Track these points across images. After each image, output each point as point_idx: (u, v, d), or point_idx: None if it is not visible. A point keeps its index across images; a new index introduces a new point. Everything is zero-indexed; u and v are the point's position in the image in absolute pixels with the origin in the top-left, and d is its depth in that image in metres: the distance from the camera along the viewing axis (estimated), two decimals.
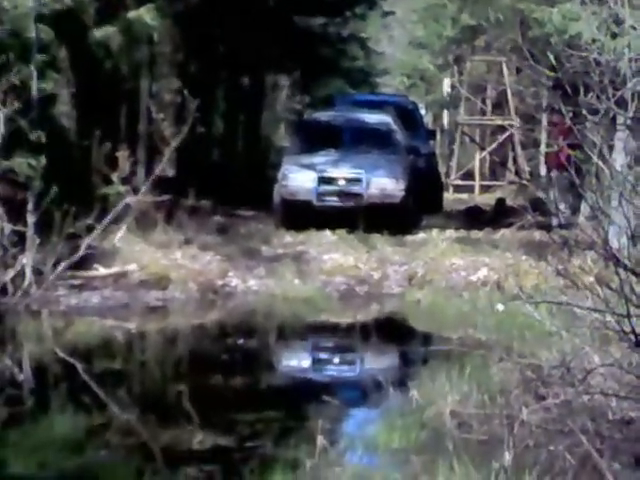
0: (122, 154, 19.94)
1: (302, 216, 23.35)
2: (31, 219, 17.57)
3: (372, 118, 25.84)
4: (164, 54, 21.33)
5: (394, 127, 25.60)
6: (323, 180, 23.79)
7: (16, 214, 17.58)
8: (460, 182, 35.57)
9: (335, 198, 23.70)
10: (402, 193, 23.78)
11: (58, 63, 18.53)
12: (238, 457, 10.37)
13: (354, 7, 35.07)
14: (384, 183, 23.87)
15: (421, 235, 23.41)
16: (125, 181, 19.61)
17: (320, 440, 10.00)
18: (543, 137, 29.88)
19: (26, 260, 17.32)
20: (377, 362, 15.69)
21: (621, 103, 14.09)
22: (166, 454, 10.59)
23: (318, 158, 24.32)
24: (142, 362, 15.45)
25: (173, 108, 21.96)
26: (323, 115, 26.58)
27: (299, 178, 23.90)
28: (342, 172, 23.92)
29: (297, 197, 23.75)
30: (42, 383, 13.40)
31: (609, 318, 8.43)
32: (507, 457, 8.39)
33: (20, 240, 17.46)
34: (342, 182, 23.84)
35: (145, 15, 19.85)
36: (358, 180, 23.76)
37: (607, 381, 8.65)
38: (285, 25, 29.24)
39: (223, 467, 9.95)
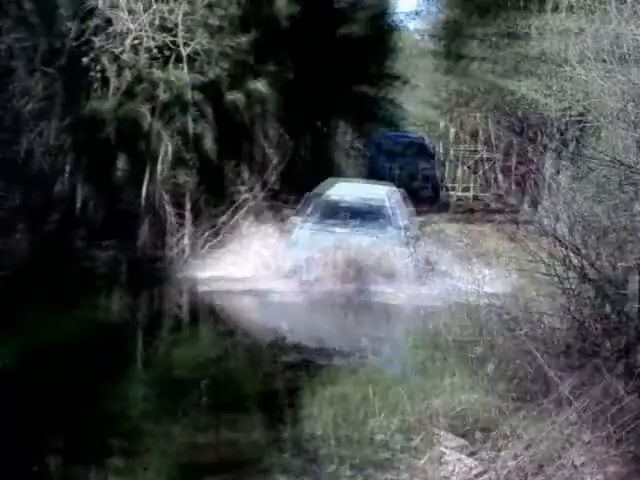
0: (246, 173, 20.20)
1: None
2: (188, 214, 17.81)
3: (372, 200, 17.80)
4: (273, 109, 21.58)
5: (394, 209, 17.63)
6: None
7: (178, 210, 17.82)
8: (460, 194, 35.95)
9: None
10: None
11: (205, 115, 18.66)
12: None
13: (389, 79, 36.18)
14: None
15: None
16: (247, 190, 19.69)
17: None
18: (513, 164, 30.21)
19: (185, 241, 17.55)
20: None
21: (564, 143, 14.67)
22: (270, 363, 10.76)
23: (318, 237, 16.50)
24: None
25: (277, 142, 22.28)
26: (329, 195, 17.89)
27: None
28: None
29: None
30: (195, 318, 13.57)
31: (541, 265, 8.32)
32: (478, 349, 8.59)
33: (180, 225, 17.63)
34: None
35: (260, 86, 20.12)
36: None
37: (542, 304, 8.50)
38: (347, 92, 29.60)
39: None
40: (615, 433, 5.99)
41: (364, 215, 17.09)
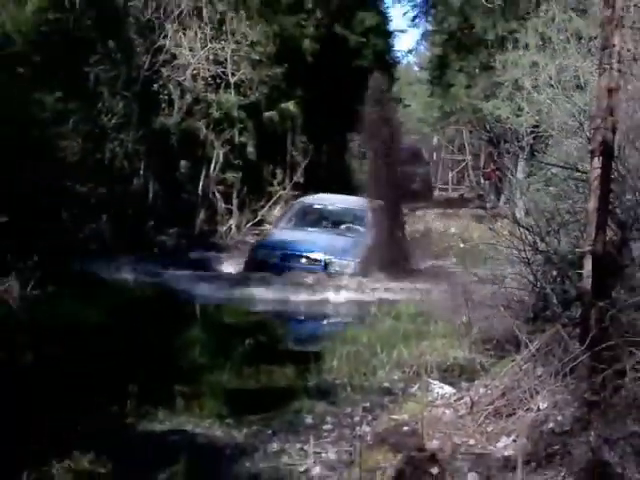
0: (279, 172, 20.35)
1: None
2: (235, 202, 18.05)
3: (347, 203, 15.19)
4: (300, 124, 21.68)
5: (362, 212, 14.41)
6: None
7: (227, 200, 18.09)
8: (441, 186, 35.97)
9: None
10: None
11: (247, 129, 18.80)
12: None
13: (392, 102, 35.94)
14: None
15: (420, 212, 22.74)
16: (279, 184, 20.00)
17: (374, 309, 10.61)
18: (482, 163, 30.41)
19: (232, 221, 17.88)
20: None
21: (521, 148, 14.89)
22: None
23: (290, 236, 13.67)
24: None
25: (303, 150, 22.24)
26: (308, 200, 15.48)
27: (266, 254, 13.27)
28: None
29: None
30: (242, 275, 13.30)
31: (515, 251, 8.30)
32: (464, 318, 8.53)
33: (228, 212, 17.94)
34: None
35: (290, 106, 20.38)
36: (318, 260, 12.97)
37: (514, 282, 8.45)
38: (358, 112, 28.90)
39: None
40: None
41: (338, 218, 14.59)
